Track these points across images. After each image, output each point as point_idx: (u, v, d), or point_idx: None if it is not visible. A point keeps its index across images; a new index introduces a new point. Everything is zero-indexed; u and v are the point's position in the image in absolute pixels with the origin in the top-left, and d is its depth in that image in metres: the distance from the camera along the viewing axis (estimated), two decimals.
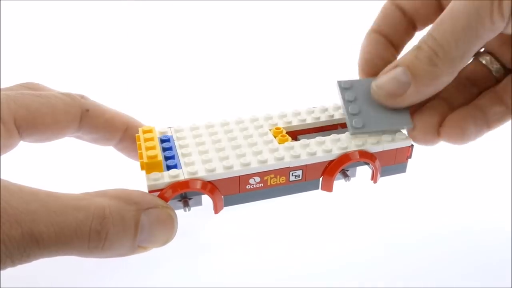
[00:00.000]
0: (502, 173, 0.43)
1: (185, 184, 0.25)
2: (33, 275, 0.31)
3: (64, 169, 0.43)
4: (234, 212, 0.28)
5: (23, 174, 0.28)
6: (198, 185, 0.25)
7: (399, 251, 0.35)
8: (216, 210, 0.27)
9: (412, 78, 0.26)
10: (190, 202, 0.26)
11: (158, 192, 0.25)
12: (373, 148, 0.29)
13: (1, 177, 0.22)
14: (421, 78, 0.26)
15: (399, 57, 0.30)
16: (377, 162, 0.29)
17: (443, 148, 0.46)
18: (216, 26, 0.76)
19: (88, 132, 0.31)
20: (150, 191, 0.25)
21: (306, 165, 0.27)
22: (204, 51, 0.70)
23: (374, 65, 0.30)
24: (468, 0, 0.24)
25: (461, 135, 0.27)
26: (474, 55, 0.29)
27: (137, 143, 0.28)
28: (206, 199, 0.27)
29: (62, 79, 0.39)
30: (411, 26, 0.31)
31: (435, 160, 0.44)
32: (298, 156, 0.27)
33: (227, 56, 0.68)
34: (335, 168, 0.28)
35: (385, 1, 0.31)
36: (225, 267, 0.34)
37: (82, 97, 0.31)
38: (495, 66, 0.30)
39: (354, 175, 0.30)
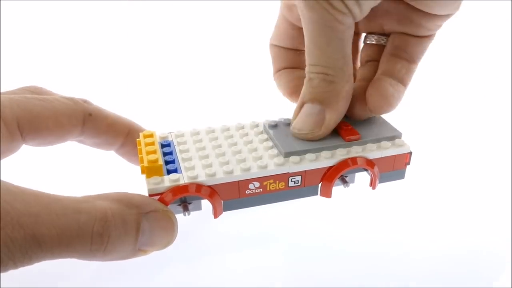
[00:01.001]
0: (502, 177, 0.43)
1: (185, 188, 0.25)
2: (33, 275, 0.31)
3: (66, 173, 0.43)
4: (233, 217, 0.28)
5: (25, 177, 0.28)
6: (198, 190, 0.26)
7: (398, 256, 0.35)
8: (216, 214, 0.27)
9: (323, 106, 0.28)
10: (190, 206, 0.26)
11: (158, 196, 0.25)
12: (372, 155, 0.29)
13: (4, 180, 0.22)
14: (330, 100, 0.28)
15: None
16: (376, 169, 0.29)
17: (441, 155, 0.47)
18: (217, 31, 0.76)
19: (91, 137, 0.31)
20: (150, 195, 0.25)
21: (305, 171, 0.28)
22: (205, 57, 0.70)
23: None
24: (310, 20, 0.26)
25: (384, 99, 0.29)
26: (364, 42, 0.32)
27: (138, 147, 0.28)
28: (205, 203, 0.27)
29: (65, 83, 0.39)
30: None
31: (433, 166, 0.44)
32: (297, 162, 0.27)
33: (228, 62, 0.69)
34: (334, 174, 0.28)
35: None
36: (224, 271, 0.34)
37: (85, 101, 0.31)
38: (382, 39, 0.32)
39: (353, 181, 0.30)
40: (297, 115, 0.29)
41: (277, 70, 0.34)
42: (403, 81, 0.30)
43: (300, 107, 0.29)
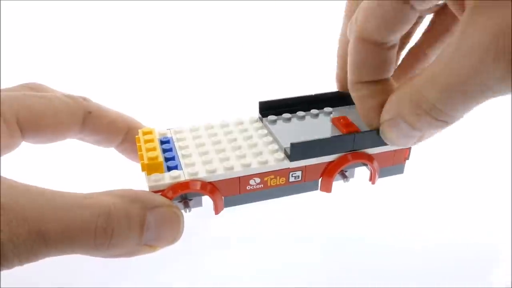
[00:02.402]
0: (502, 173, 0.43)
1: (185, 185, 0.25)
2: (33, 275, 0.31)
3: (66, 170, 0.43)
4: (234, 213, 0.28)
5: (24, 174, 0.28)
6: (199, 186, 0.26)
7: (398, 251, 0.35)
8: (217, 211, 0.27)
9: (422, 133, 0.24)
10: (191, 203, 0.27)
11: (159, 193, 0.25)
12: (371, 150, 0.29)
13: (7, 177, 0.22)
14: (432, 133, 0.24)
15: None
16: (375, 163, 0.29)
17: (441, 149, 0.47)
18: (215, 28, 0.76)
19: (91, 134, 0.31)
20: None
21: (305, 166, 0.28)
22: (203, 53, 0.70)
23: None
24: (489, 70, 0.18)
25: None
26: None
27: (137, 144, 0.28)
28: (206, 200, 0.27)
29: (64, 81, 0.39)
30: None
31: (433, 161, 0.44)
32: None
33: (226, 57, 0.69)
34: (334, 169, 0.28)
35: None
36: (225, 267, 0.34)
37: (85, 99, 0.31)
38: None
39: (352, 176, 0.30)
40: (388, 123, 0.24)
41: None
42: None
43: (394, 119, 0.24)
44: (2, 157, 0.27)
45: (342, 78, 0.31)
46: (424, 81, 0.21)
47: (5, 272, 0.21)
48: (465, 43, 0.19)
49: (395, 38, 0.24)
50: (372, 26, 0.23)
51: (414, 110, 0.22)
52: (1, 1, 0.74)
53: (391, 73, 0.26)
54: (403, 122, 0.23)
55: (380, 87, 0.26)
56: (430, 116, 0.22)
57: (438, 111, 0.21)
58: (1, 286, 0.28)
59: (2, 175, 0.22)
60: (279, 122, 0.31)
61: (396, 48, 0.25)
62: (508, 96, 0.19)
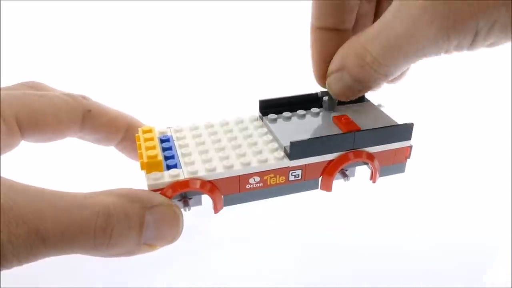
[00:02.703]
0: (502, 172, 0.43)
1: (185, 183, 0.25)
2: (33, 275, 0.31)
3: (65, 169, 0.43)
4: (233, 212, 0.28)
5: (24, 174, 0.28)
6: (198, 185, 0.26)
7: (398, 250, 0.35)
8: (216, 209, 0.27)
9: (362, 85, 0.27)
10: (190, 201, 0.26)
11: (159, 192, 0.25)
12: (372, 148, 0.29)
13: (5, 177, 0.22)
14: (371, 85, 0.26)
15: None
16: (376, 162, 0.29)
17: (442, 148, 0.47)
18: (215, 26, 0.76)
19: (90, 133, 0.31)
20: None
21: (305, 165, 0.28)
22: (203, 52, 0.70)
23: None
24: (425, 31, 0.22)
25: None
26: None
27: (137, 143, 0.28)
28: (206, 198, 0.27)
29: (63, 80, 0.39)
30: None
31: (434, 160, 0.44)
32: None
33: (226, 56, 0.69)
34: (334, 168, 0.28)
35: None
36: (225, 266, 0.34)
37: (84, 97, 0.31)
38: None
39: (353, 175, 0.30)
40: (333, 76, 0.27)
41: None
42: None
43: (339, 69, 0.27)
44: (1, 156, 0.27)
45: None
46: (368, 37, 0.24)
47: (5, 272, 0.21)
48: (404, 7, 0.22)
49: None
50: None
51: (358, 62, 0.25)
52: (1, 1, 0.74)
53: (350, 23, 0.29)
54: (347, 74, 0.26)
55: (336, 37, 0.28)
56: (372, 68, 0.25)
57: (378, 63, 0.24)
58: (1, 286, 0.28)
59: (1, 174, 0.22)
60: (279, 120, 0.31)
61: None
62: (508, 97, 0.20)
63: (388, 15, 0.23)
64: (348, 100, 0.28)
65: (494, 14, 0.21)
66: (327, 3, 0.28)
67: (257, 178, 0.27)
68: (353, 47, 0.26)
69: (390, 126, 0.29)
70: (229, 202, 0.27)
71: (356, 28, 0.30)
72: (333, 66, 0.28)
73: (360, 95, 0.28)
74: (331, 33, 0.29)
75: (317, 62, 0.30)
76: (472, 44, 0.22)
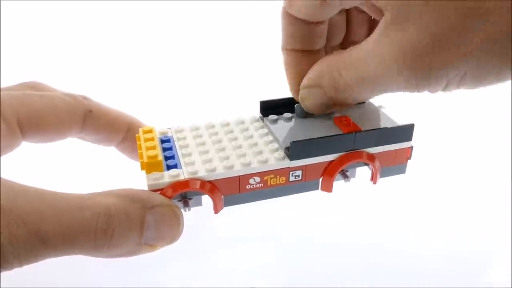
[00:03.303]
0: (502, 173, 0.43)
1: (185, 183, 0.25)
2: (33, 275, 0.31)
3: (66, 169, 0.43)
4: (234, 212, 0.28)
5: (25, 174, 0.28)
6: (198, 185, 0.25)
7: (399, 251, 0.35)
8: (216, 210, 0.27)
9: (333, 103, 0.28)
10: (190, 202, 0.26)
11: (158, 192, 0.25)
12: (373, 149, 0.29)
13: (5, 178, 0.22)
14: (342, 105, 0.28)
15: None
16: (377, 163, 0.29)
17: (443, 149, 0.47)
18: (216, 27, 0.76)
19: (91, 133, 0.31)
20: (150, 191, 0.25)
21: (306, 165, 0.27)
22: (204, 52, 0.70)
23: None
24: (397, 81, 0.23)
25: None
26: None
27: (137, 143, 0.28)
28: (206, 199, 0.27)
29: (64, 80, 0.39)
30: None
31: (435, 161, 0.44)
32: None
33: (227, 57, 0.69)
34: (335, 169, 0.28)
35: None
36: (225, 267, 0.34)
37: (85, 98, 0.31)
38: None
39: (353, 176, 0.30)
40: (307, 90, 0.28)
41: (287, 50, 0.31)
42: None
43: (314, 86, 0.28)
44: (2, 157, 0.27)
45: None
46: (345, 63, 0.26)
47: (5, 272, 0.21)
48: (379, 49, 0.23)
49: (322, 17, 0.28)
50: (298, 6, 0.27)
51: (332, 84, 0.27)
52: (1, 1, 0.74)
53: (321, 45, 0.30)
54: (322, 92, 0.27)
55: (308, 57, 0.29)
56: (345, 92, 0.26)
57: (351, 90, 0.26)
58: (1, 286, 0.28)
59: (2, 175, 0.22)
60: (280, 121, 0.31)
61: (325, 24, 0.29)
62: (508, 98, 0.20)
63: (366, 46, 0.24)
64: (318, 114, 0.30)
65: (463, 66, 0.21)
66: (295, 29, 0.28)
67: (258, 179, 0.27)
68: (329, 68, 0.27)
69: (391, 127, 0.29)
70: (229, 202, 0.27)
71: (329, 38, 0.30)
72: (308, 82, 0.28)
73: (331, 111, 0.30)
74: (302, 54, 0.29)
75: (291, 79, 0.31)
76: (445, 90, 0.23)
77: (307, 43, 0.29)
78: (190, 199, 0.26)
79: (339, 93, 0.27)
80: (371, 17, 0.31)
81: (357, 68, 0.25)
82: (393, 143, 0.29)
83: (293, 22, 0.28)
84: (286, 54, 0.30)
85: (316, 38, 0.29)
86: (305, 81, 0.29)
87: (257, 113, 0.32)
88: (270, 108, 0.31)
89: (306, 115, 0.32)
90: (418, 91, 0.23)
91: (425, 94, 0.24)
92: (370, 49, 0.24)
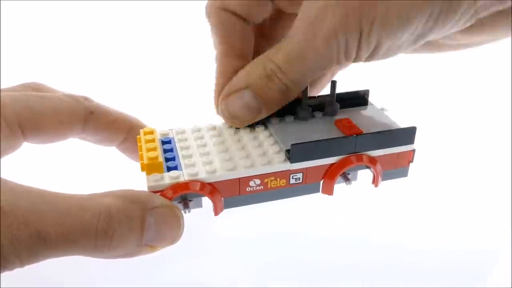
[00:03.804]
0: (504, 176, 0.43)
1: (185, 185, 0.25)
2: (33, 275, 0.31)
3: (67, 170, 0.43)
4: (234, 214, 0.28)
5: (26, 175, 0.28)
6: (198, 187, 0.25)
7: (400, 254, 0.35)
8: (216, 212, 0.27)
9: (264, 105, 0.27)
10: (190, 204, 0.26)
11: (159, 194, 0.25)
12: (374, 152, 0.28)
13: (6, 178, 0.22)
14: (272, 105, 0.27)
15: None
16: (378, 166, 0.29)
17: (445, 152, 0.46)
18: None
19: (92, 134, 0.31)
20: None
21: (306, 168, 0.27)
22: (206, 54, 0.70)
23: None
24: (318, 48, 0.24)
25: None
26: None
27: (138, 144, 0.28)
28: (206, 201, 0.27)
29: (65, 81, 0.39)
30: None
31: (437, 164, 0.44)
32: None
33: None
34: (336, 172, 0.28)
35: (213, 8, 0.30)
36: (224, 269, 0.34)
37: (86, 99, 0.31)
38: None
39: (355, 179, 0.30)
40: (233, 94, 0.28)
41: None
42: None
43: (241, 88, 0.27)
44: (3, 158, 0.27)
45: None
46: (272, 51, 0.26)
47: (5, 272, 0.21)
48: (297, 21, 0.25)
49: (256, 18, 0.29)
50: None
51: (262, 72, 0.26)
52: (1, 1, 0.75)
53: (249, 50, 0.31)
54: (248, 91, 0.27)
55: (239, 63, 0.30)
56: (275, 78, 0.26)
57: (281, 73, 0.26)
58: (1, 286, 0.28)
59: (2, 176, 0.22)
60: (281, 124, 0.31)
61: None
62: (508, 94, 0.20)
63: (291, 30, 0.25)
64: (241, 127, 0.29)
65: (372, 12, 0.22)
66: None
67: (258, 181, 0.27)
68: (258, 61, 0.27)
69: (393, 129, 0.29)
70: (229, 204, 0.27)
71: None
72: (232, 86, 0.28)
73: (256, 118, 0.28)
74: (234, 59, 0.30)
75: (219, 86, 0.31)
76: (359, 48, 0.24)
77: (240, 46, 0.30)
78: (190, 200, 0.26)
79: (271, 82, 0.26)
80: None
81: (283, 47, 0.26)
82: (395, 146, 0.29)
83: (221, 15, 0.30)
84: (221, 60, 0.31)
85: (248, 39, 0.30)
86: (228, 87, 0.28)
87: None
88: None
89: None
90: (338, 54, 0.24)
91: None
92: (295, 26, 0.25)
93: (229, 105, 0.28)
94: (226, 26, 0.30)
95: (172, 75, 0.64)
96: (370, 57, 0.25)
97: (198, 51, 0.71)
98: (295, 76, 0.26)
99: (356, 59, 0.25)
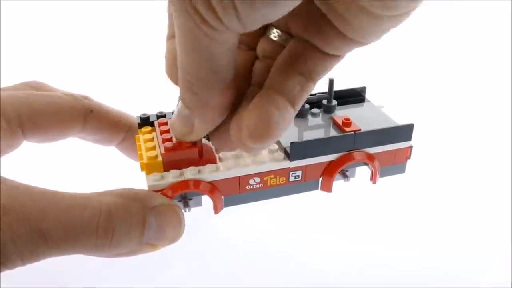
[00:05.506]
0: (502, 172, 0.43)
1: (185, 184, 0.25)
2: (33, 275, 0.31)
3: (67, 169, 0.43)
4: (234, 213, 0.28)
5: (26, 174, 0.28)
6: (198, 185, 0.26)
7: (398, 251, 0.35)
8: (216, 210, 0.27)
9: (190, 112, 0.22)
10: (190, 202, 0.27)
11: (159, 193, 0.25)
12: (372, 149, 0.29)
13: (7, 177, 0.22)
14: (193, 109, 0.22)
15: None
16: (376, 163, 0.29)
17: (442, 148, 0.47)
18: None
19: (92, 133, 0.31)
20: None
21: (305, 165, 0.28)
22: None
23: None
24: (177, 25, 0.18)
25: (265, 129, 0.21)
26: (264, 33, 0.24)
27: (137, 144, 0.28)
28: (206, 199, 0.27)
29: (65, 80, 0.39)
30: None
31: (434, 160, 0.44)
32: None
33: None
34: (334, 169, 0.28)
35: None
36: (225, 267, 0.34)
37: (86, 98, 0.31)
38: (285, 40, 0.24)
39: (353, 176, 0.30)
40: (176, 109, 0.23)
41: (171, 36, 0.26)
42: (294, 102, 0.22)
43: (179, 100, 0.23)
44: (4, 157, 0.27)
45: None
46: None
47: (5, 272, 0.21)
48: None
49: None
50: None
51: (180, 78, 0.21)
52: (1, 1, 0.74)
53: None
54: (180, 101, 0.22)
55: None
56: (181, 76, 0.21)
57: (180, 68, 0.20)
58: (1, 286, 0.28)
59: (2, 175, 0.22)
60: None
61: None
62: (508, 97, 0.20)
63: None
64: (189, 141, 0.25)
65: None
66: None
67: (257, 179, 0.27)
68: None
69: (390, 126, 0.29)
70: (229, 202, 0.27)
71: None
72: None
73: (192, 130, 0.23)
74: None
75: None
76: None
77: None
78: (190, 199, 0.27)
79: (185, 87, 0.21)
80: None
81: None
82: (392, 142, 0.29)
83: None
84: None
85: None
86: None
87: None
88: None
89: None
90: None
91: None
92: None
93: (171, 120, 0.24)
94: None
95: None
96: (239, 21, 0.18)
97: None
98: (182, 64, 0.20)
99: (226, 27, 0.18)
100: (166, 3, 0.22)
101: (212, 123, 0.23)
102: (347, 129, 0.29)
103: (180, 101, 0.22)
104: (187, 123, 0.23)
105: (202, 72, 0.20)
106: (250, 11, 0.17)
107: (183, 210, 0.26)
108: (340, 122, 0.30)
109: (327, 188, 0.29)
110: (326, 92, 0.32)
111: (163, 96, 0.58)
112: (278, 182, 0.28)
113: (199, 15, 0.17)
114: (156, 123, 0.29)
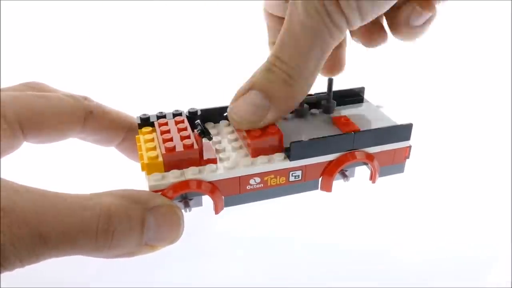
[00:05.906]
0: (502, 172, 0.43)
1: (185, 184, 0.25)
2: (33, 275, 0.31)
3: (67, 169, 0.43)
4: (234, 213, 0.29)
5: (26, 175, 0.28)
6: (199, 186, 0.26)
7: (398, 251, 0.35)
8: (217, 210, 0.27)
9: (270, 102, 0.25)
10: (191, 202, 0.27)
11: (159, 193, 0.25)
12: (371, 149, 0.29)
13: (6, 178, 0.22)
14: (279, 100, 0.25)
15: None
16: (376, 162, 0.29)
17: (441, 148, 0.47)
18: (218, 27, 0.76)
19: (92, 133, 0.31)
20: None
21: (305, 165, 0.28)
22: (206, 53, 0.70)
23: None
24: (301, 22, 0.23)
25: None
26: None
27: (137, 144, 0.28)
28: (206, 199, 0.27)
29: (65, 81, 0.39)
30: None
31: (433, 160, 0.44)
32: None
33: (229, 57, 0.68)
34: (334, 169, 0.28)
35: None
36: (225, 267, 0.34)
37: (86, 98, 0.31)
38: None
39: (353, 175, 0.30)
40: (240, 97, 0.26)
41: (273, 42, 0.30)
42: None
43: (247, 90, 0.26)
44: (3, 158, 0.27)
45: None
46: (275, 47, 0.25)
47: (5, 273, 0.21)
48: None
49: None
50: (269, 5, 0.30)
51: (263, 67, 0.25)
52: (1, 1, 0.74)
53: None
54: (253, 91, 0.25)
55: None
56: (275, 68, 0.25)
57: (279, 61, 0.24)
58: (1, 286, 0.29)
59: (2, 176, 0.22)
60: (280, 122, 0.31)
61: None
62: (508, 97, 0.20)
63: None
64: (249, 129, 0.27)
65: None
66: (272, 24, 0.31)
67: (258, 179, 0.27)
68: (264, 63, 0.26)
69: (389, 126, 0.29)
70: (230, 203, 0.27)
71: None
72: (240, 89, 0.27)
73: (265, 119, 0.26)
74: None
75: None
76: (341, 10, 0.22)
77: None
78: (191, 199, 0.27)
79: (270, 75, 0.25)
80: None
81: (279, 35, 0.25)
82: (391, 142, 0.29)
83: (270, 18, 0.30)
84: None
85: None
86: (238, 91, 0.27)
87: None
88: None
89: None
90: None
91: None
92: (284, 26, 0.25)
93: (236, 108, 0.26)
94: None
95: (172, 75, 0.64)
96: (361, 18, 0.23)
97: (198, 51, 0.71)
98: (291, 60, 0.24)
99: (349, 25, 0.23)
100: (260, 12, 0.30)
101: (282, 115, 0.26)
102: (347, 129, 0.29)
103: (257, 91, 0.25)
104: (262, 112, 0.26)
105: (309, 70, 0.24)
106: (373, 7, 0.22)
107: (183, 210, 0.26)
108: (339, 122, 0.30)
109: (327, 187, 0.29)
110: (325, 92, 0.32)
111: (163, 96, 0.58)
112: (278, 182, 0.28)
113: (329, 16, 0.22)
114: (156, 124, 0.29)
